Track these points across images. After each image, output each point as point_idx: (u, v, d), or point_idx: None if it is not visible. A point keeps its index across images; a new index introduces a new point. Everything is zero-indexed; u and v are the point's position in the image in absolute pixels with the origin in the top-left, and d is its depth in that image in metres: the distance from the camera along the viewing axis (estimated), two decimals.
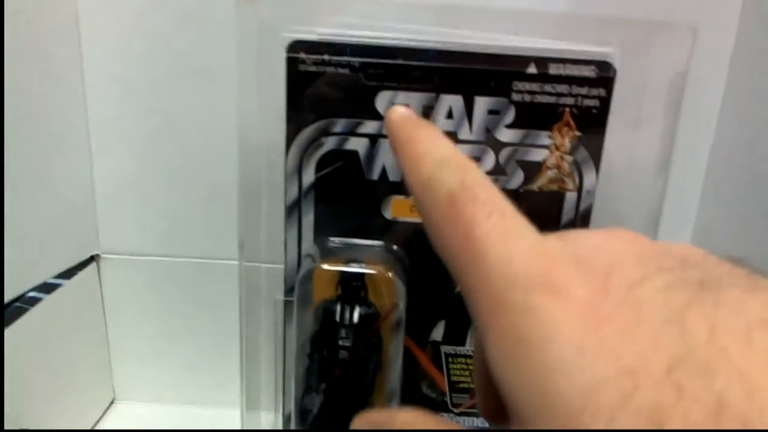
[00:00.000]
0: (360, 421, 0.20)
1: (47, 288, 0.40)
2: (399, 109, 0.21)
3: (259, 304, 0.41)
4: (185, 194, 0.45)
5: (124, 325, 0.47)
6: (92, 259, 0.45)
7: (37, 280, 0.40)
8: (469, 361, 0.42)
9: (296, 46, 0.36)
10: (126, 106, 0.43)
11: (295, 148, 0.38)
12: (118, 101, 0.43)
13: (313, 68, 0.36)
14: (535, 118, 0.37)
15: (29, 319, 0.38)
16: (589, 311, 0.13)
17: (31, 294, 0.39)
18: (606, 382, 0.12)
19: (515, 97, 0.36)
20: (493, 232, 0.15)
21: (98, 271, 0.46)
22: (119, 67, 0.42)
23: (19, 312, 0.38)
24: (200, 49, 0.42)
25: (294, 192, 0.39)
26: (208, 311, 0.48)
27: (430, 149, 0.18)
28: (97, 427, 0.47)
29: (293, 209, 0.39)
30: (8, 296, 0.38)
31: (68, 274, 0.43)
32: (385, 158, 0.38)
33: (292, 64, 0.36)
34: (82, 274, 0.43)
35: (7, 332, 0.36)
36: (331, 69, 0.36)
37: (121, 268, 0.46)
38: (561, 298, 0.14)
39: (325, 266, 0.38)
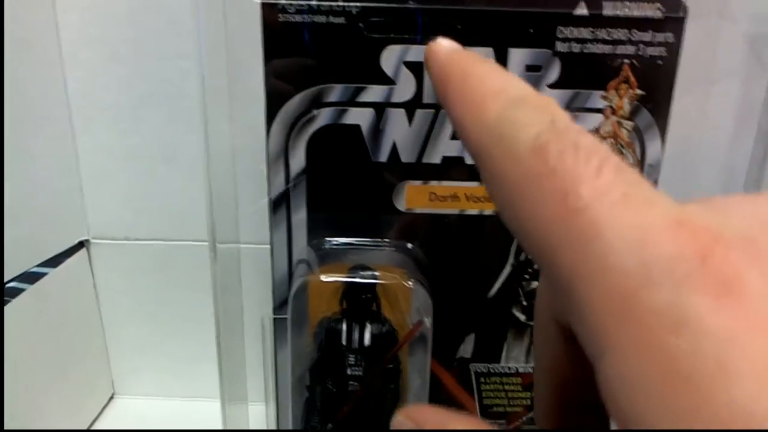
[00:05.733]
0: (404, 419, 0.14)
1: (31, 277, 0.37)
2: (445, 41, 0.15)
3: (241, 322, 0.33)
4: (181, 170, 0.39)
5: (120, 315, 0.43)
6: (81, 245, 0.41)
7: (19, 270, 0.36)
8: (504, 380, 0.34)
9: None
10: (108, 74, 0.37)
11: (278, 126, 0.29)
12: (100, 69, 0.37)
13: (297, 18, 0.27)
14: (585, 74, 0.29)
15: (12, 312, 0.34)
16: None
17: (12, 284, 0.35)
18: None
19: (560, 47, 0.29)
20: (608, 196, 0.11)
21: (89, 258, 0.42)
22: (97, 31, 0.36)
23: None
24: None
25: (280, 182, 0.30)
26: (209, 297, 0.41)
27: (501, 84, 0.13)
28: (96, 425, 0.44)
29: (280, 204, 0.30)
30: None
31: (54, 261, 0.39)
32: (395, 133, 0.29)
33: (268, 13, 0.27)
34: (70, 262, 0.40)
35: None
36: (320, 18, 0.27)
37: (114, 254, 0.42)
38: (734, 301, 0.09)
39: (324, 277, 0.29)
